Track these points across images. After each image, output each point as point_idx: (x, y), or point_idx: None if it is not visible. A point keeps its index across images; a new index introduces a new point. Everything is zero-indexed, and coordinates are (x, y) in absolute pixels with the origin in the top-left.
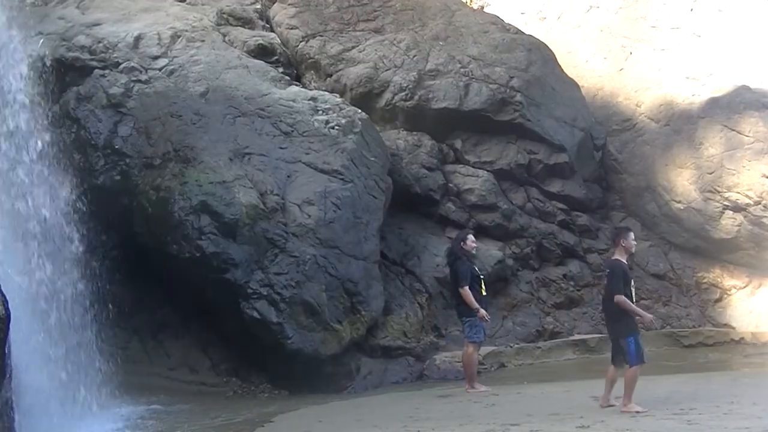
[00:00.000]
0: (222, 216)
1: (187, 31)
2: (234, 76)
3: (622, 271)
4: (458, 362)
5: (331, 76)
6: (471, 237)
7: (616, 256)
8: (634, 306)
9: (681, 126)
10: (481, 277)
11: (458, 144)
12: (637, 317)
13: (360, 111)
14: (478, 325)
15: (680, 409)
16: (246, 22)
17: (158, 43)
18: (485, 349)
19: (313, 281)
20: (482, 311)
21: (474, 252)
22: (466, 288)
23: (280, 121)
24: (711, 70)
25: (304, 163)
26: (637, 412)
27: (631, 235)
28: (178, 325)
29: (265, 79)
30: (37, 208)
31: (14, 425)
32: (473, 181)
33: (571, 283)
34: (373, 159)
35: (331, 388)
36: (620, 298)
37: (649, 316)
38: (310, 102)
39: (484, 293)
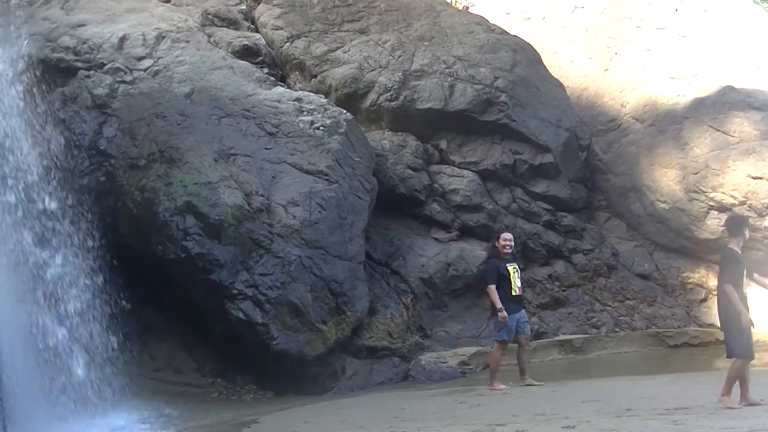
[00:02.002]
0: (207, 217)
1: (172, 31)
2: (219, 76)
3: (731, 260)
4: (443, 362)
5: (316, 76)
6: (505, 235)
7: (731, 245)
8: (737, 300)
9: (666, 126)
10: (512, 276)
11: (443, 144)
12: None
13: (345, 111)
14: (501, 324)
15: (666, 409)
16: (231, 23)
17: (143, 44)
18: (469, 350)
19: (298, 282)
20: (502, 313)
21: (507, 250)
22: (490, 287)
23: (265, 121)
24: (696, 71)
25: (289, 163)
26: (730, 408)
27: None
28: (164, 326)
29: (250, 80)
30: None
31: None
32: (458, 181)
33: (557, 283)
34: (358, 159)
35: (317, 389)
36: (727, 288)
37: (747, 318)
38: (295, 103)
39: (514, 293)
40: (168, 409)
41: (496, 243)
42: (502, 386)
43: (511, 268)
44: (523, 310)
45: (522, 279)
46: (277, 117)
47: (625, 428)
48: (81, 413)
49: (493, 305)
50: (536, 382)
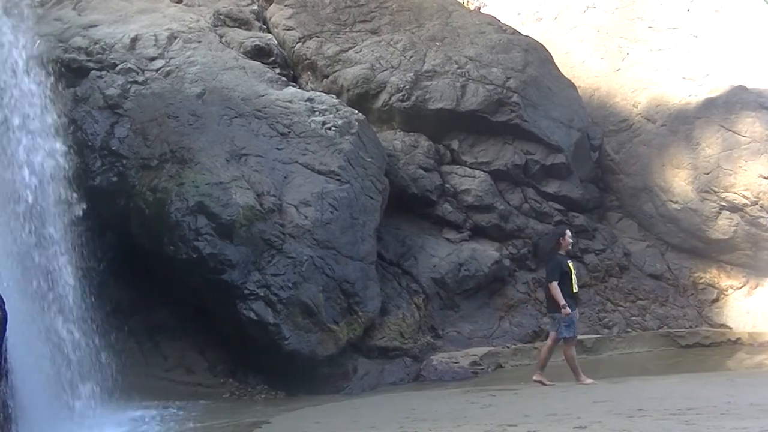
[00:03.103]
0: (219, 217)
1: (183, 32)
2: (231, 77)
3: None
4: (455, 363)
5: (327, 77)
6: (569, 233)
7: None
8: None
9: (678, 126)
10: (573, 273)
11: (455, 145)
12: None
13: (357, 112)
14: (564, 321)
15: (677, 409)
16: (243, 23)
17: (155, 45)
18: (481, 350)
19: (309, 282)
20: (566, 309)
21: (570, 247)
22: (554, 283)
23: (277, 122)
24: (708, 71)
25: (300, 164)
26: None
27: None
28: (175, 326)
29: (261, 80)
30: (33, 209)
31: (10, 427)
32: (470, 181)
33: None
34: (369, 160)
35: (328, 389)
36: None
37: None
38: (307, 103)
39: (574, 290)
40: (178, 409)
41: (561, 240)
42: (589, 380)
43: (572, 265)
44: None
45: (534, 279)
46: (289, 117)
47: (637, 428)
48: (86, 412)
49: (556, 302)
50: (548, 382)
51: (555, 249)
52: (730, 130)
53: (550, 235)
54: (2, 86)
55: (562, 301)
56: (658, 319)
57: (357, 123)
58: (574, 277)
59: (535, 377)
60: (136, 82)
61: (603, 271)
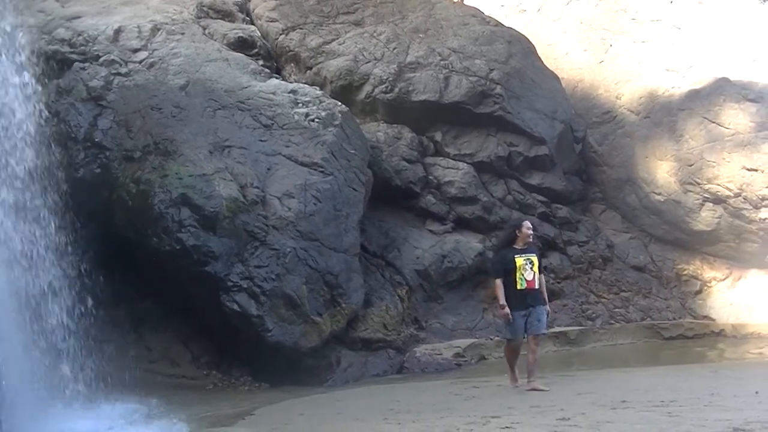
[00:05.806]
0: (202, 209)
1: (167, 23)
2: (214, 68)
3: None
4: (438, 354)
5: (311, 68)
6: (527, 224)
7: None
8: None
9: (661, 118)
10: (520, 268)
11: (438, 136)
12: None
13: (340, 104)
14: (506, 322)
15: (661, 401)
16: (226, 15)
17: (138, 36)
18: (464, 342)
19: (293, 274)
20: (504, 310)
21: (529, 239)
22: (497, 281)
23: (260, 113)
24: (691, 63)
25: (284, 155)
26: None
27: None
28: (159, 318)
29: (245, 72)
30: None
31: None
32: (453, 173)
33: (552, 275)
34: (353, 152)
35: (312, 381)
36: None
37: None
38: (290, 95)
39: (520, 287)
40: (162, 401)
41: (518, 232)
42: (517, 383)
43: (522, 259)
44: (538, 307)
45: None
46: (272, 109)
47: (620, 420)
48: (70, 405)
49: (497, 300)
50: (543, 387)
51: (508, 243)
52: (714, 122)
53: (506, 227)
54: None
55: (501, 301)
56: (642, 311)
57: (340, 115)
58: (520, 273)
59: (526, 387)
60: (119, 73)
61: (586, 262)
